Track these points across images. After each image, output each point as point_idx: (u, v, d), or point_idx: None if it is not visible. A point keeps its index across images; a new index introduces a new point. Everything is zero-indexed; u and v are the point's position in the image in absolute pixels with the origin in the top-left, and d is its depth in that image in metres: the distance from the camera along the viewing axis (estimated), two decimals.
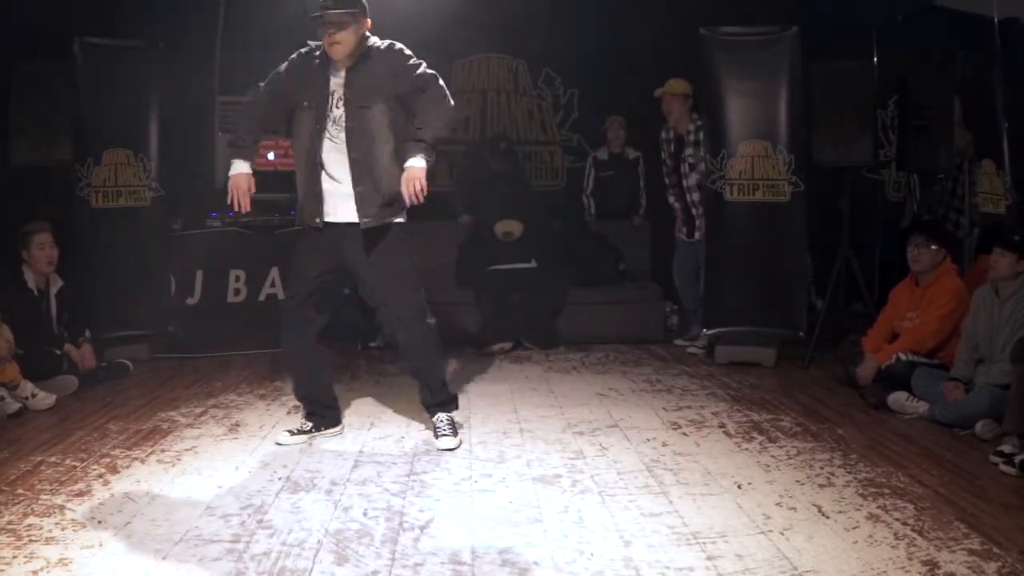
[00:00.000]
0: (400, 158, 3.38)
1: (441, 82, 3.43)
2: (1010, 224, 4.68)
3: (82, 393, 4.45)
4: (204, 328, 5.49)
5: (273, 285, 5.70)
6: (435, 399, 3.72)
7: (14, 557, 2.51)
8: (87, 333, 4.76)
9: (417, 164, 3.31)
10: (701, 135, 5.49)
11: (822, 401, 4.35)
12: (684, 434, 3.79)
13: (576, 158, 7.04)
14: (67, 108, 5.19)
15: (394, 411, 4.14)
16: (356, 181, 3.40)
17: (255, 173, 3.49)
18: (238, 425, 3.93)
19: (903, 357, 4.24)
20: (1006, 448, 3.32)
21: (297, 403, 4.28)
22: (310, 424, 3.72)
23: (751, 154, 5.12)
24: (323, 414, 3.75)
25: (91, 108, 5.11)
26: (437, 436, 3.63)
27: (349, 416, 4.05)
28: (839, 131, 5.08)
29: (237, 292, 5.64)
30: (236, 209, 3.43)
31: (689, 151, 5.54)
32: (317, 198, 3.45)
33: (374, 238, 3.46)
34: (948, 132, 5.23)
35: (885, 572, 2.43)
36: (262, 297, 5.69)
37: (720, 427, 3.89)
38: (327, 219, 3.46)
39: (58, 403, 4.21)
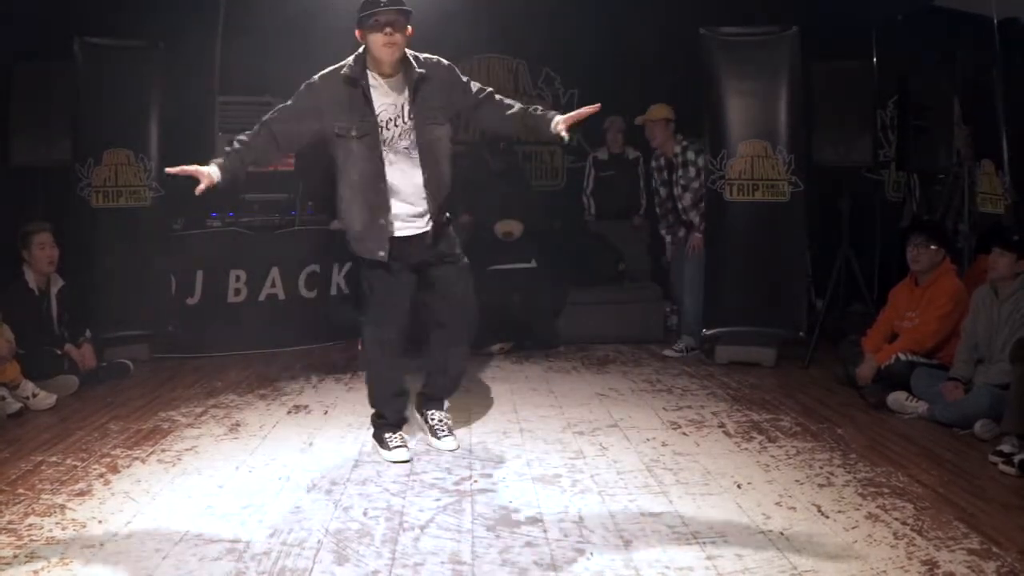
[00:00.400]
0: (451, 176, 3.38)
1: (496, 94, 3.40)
2: (1009, 224, 4.69)
3: (82, 393, 4.45)
4: (204, 328, 5.49)
5: (273, 285, 5.70)
6: (445, 392, 3.69)
7: (14, 557, 2.51)
8: (87, 333, 4.76)
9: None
10: (689, 155, 5.48)
11: (822, 401, 4.35)
12: (684, 434, 3.80)
13: (576, 158, 7.04)
14: (67, 108, 5.19)
15: None
16: (430, 200, 3.30)
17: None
18: (238, 425, 3.94)
19: (903, 357, 4.24)
20: (1005, 448, 3.32)
21: (297, 403, 4.30)
22: (400, 432, 3.56)
23: (751, 154, 5.12)
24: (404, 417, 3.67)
25: (91, 108, 5.10)
26: (438, 437, 3.61)
27: (349, 416, 4.06)
28: (839, 131, 5.09)
29: (237, 292, 5.64)
30: (171, 174, 3.19)
31: (679, 172, 5.54)
32: (384, 228, 3.28)
33: (441, 240, 3.40)
34: (948, 132, 5.23)
35: (885, 572, 2.43)
36: (262, 297, 5.68)
37: (720, 427, 3.90)
38: (398, 234, 3.31)
39: (58, 403, 4.22)
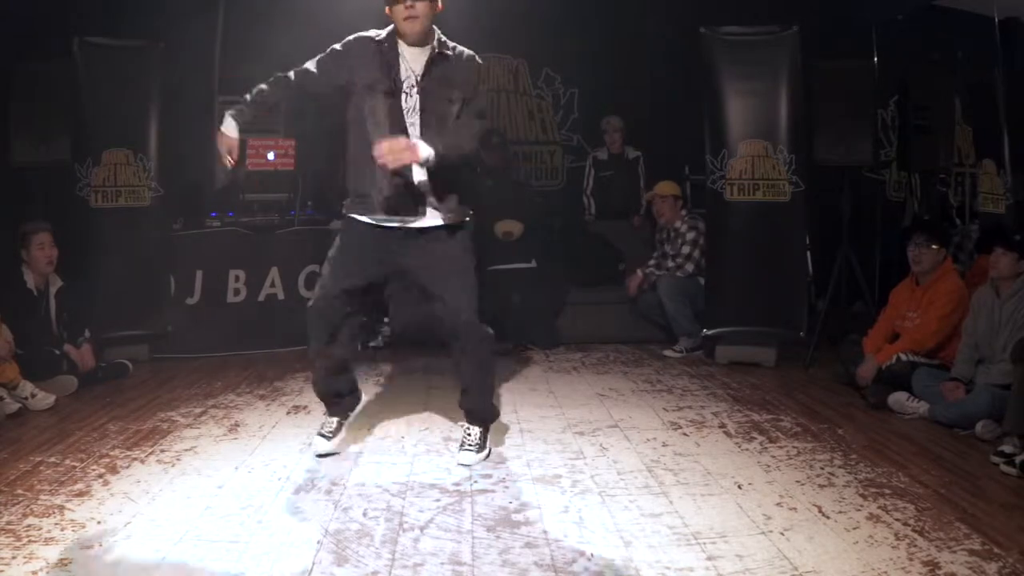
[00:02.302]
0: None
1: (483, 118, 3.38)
2: (1010, 224, 4.69)
3: (82, 393, 4.44)
4: (204, 328, 5.49)
5: (273, 285, 5.70)
6: (478, 409, 3.49)
7: (13, 557, 2.50)
8: (87, 333, 4.75)
9: (424, 148, 3.10)
10: (682, 228, 5.62)
11: (822, 401, 4.35)
12: (684, 434, 3.79)
13: (576, 158, 7.04)
14: (67, 108, 5.18)
15: (394, 411, 4.13)
16: (422, 174, 3.20)
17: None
18: (238, 425, 3.93)
19: (903, 357, 4.24)
20: (1007, 448, 3.32)
21: (297, 403, 4.30)
22: (335, 420, 3.54)
23: (751, 154, 5.12)
24: (345, 402, 3.57)
25: (91, 108, 5.10)
26: (461, 447, 3.43)
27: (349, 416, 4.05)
28: (839, 131, 5.08)
29: (237, 292, 5.64)
30: (226, 165, 3.20)
31: (673, 245, 5.65)
32: (387, 190, 3.22)
33: (436, 236, 3.29)
34: (948, 132, 5.23)
35: (886, 572, 2.43)
36: (262, 297, 5.68)
37: (720, 427, 3.89)
38: (390, 224, 3.25)
39: (58, 403, 4.21)
